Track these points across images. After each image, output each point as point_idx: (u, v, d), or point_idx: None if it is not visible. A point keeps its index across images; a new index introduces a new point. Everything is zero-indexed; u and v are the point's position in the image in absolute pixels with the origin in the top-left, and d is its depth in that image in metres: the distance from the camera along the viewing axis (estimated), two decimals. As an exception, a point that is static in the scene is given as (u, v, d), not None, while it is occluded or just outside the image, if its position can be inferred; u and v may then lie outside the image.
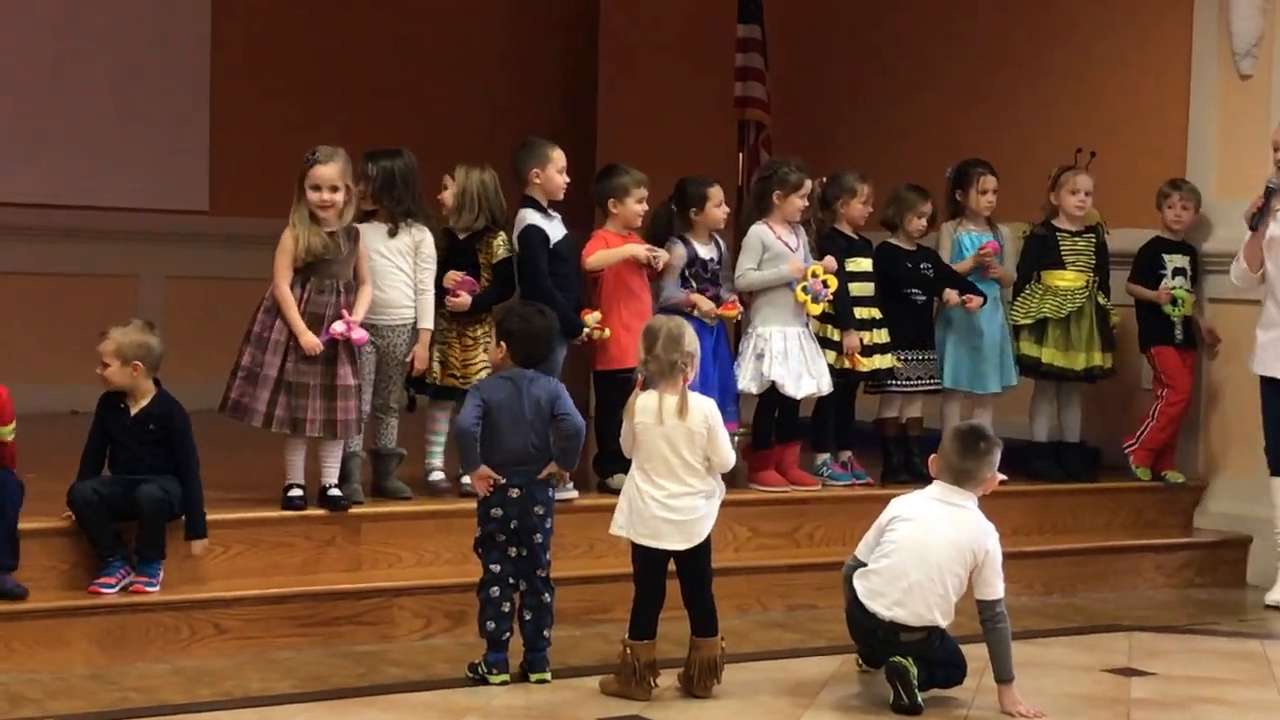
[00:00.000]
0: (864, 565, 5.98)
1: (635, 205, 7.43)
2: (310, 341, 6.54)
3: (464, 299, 7.07)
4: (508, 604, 6.00)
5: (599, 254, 7.37)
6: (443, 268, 7.07)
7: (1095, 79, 9.08)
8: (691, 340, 5.97)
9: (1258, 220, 7.68)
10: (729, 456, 5.93)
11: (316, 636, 6.41)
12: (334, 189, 6.59)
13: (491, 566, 6.02)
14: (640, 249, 7.37)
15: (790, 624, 7.13)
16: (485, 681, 5.98)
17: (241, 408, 6.59)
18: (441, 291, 7.06)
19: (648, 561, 5.94)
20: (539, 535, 6.03)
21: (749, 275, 7.75)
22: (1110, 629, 7.25)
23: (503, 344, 6.12)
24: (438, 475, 7.19)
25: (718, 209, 7.65)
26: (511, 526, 6.00)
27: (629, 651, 5.91)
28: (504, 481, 5.97)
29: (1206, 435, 8.55)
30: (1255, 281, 7.76)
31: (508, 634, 6.02)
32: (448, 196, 7.20)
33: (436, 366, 7.10)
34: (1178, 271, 8.44)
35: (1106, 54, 9.05)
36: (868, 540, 6.03)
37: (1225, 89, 8.48)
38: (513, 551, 6.02)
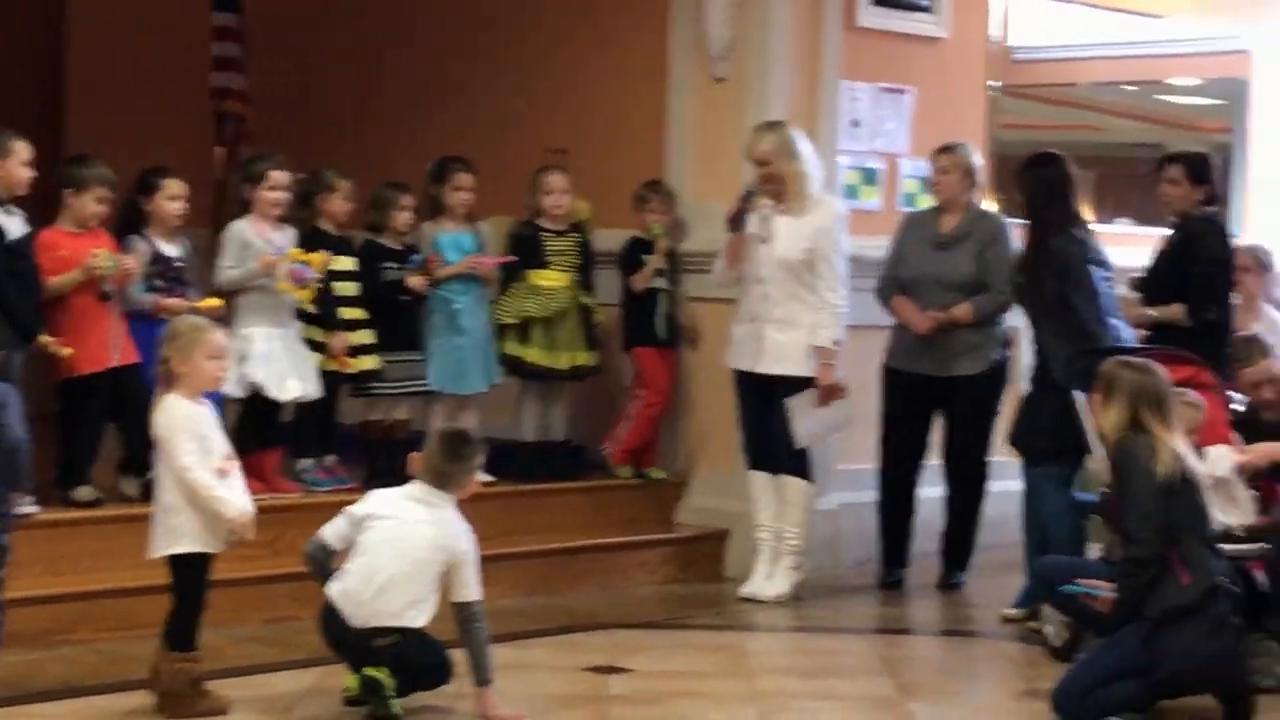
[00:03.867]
0: (328, 546, 5.89)
1: (94, 204, 7.14)
2: None
3: None
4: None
5: (54, 282, 6.99)
6: None
7: (574, 78, 9.13)
8: (174, 340, 5.72)
9: (738, 223, 7.84)
10: (173, 463, 5.68)
11: None
12: None
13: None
14: (89, 262, 7.03)
15: (268, 638, 6.91)
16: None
17: None
18: None
19: None
20: None
21: (226, 274, 7.55)
22: (592, 628, 7.28)
23: None
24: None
25: (170, 202, 7.38)
26: None
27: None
28: None
29: (687, 431, 8.69)
30: (734, 279, 7.92)
31: None
32: None
33: None
34: (658, 272, 8.54)
35: (585, 53, 9.11)
36: (337, 526, 5.91)
37: (701, 91, 8.63)
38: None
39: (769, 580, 7.91)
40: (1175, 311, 7.77)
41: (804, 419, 7.75)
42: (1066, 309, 7.32)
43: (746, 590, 7.92)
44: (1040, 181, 7.54)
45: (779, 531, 7.92)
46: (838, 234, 7.76)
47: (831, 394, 7.75)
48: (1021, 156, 7.95)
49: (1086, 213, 7.97)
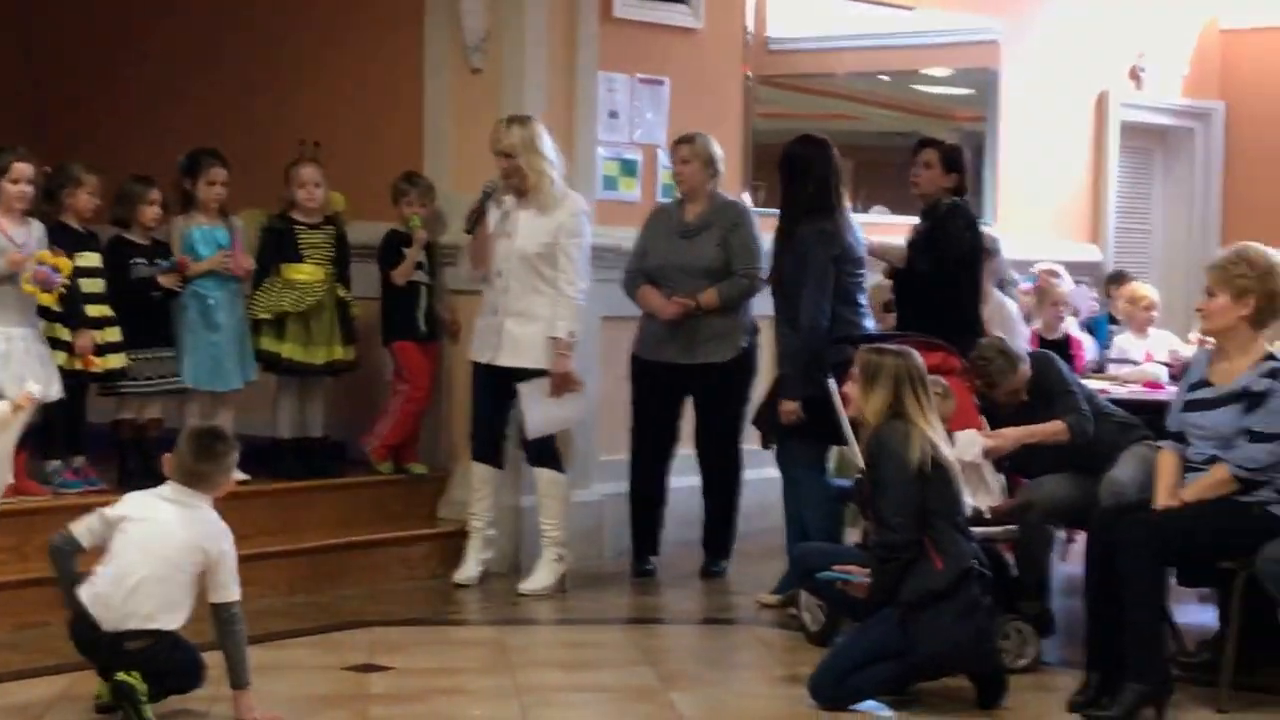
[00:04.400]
0: (77, 541, 5.75)
1: None
2: None
3: None
4: None
5: None
6: None
7: (328, 68, 9.03)
8: None
9: (474, 223, 7.81)
10: None
11: None
12: None
13: None
14: None
15: (19, 644, 6.72)
16: None
17: None
18: None
19: None
20: None
21: (-35, 270, 7.31)
22: (353, 626, 7.19)
23: None
24: None
25: None
26: None
27: None
28: None
29: (448, 425, 8.62)
30: (480, 278, 7.93)
31: None
32: None
33: None
34: (418, 265, 8.44)
35: (339, 43, 9.01)
36: (89, 523, 5.78)
37: (457, 82, 8.56)
38: None
39: (472, 567, 8.01)
40: (894, 251, 7.93)
41: (536, 408, 7.76)
42: (798, 297, 7.42)
43: (459, 576, 7.99)
44: (797, 166, 7.61)
45: (492, 521, 8.03)
46: (578, 228, 7.81)
47: (564, 384, 7.76)
48: (781, 144, 8.02)
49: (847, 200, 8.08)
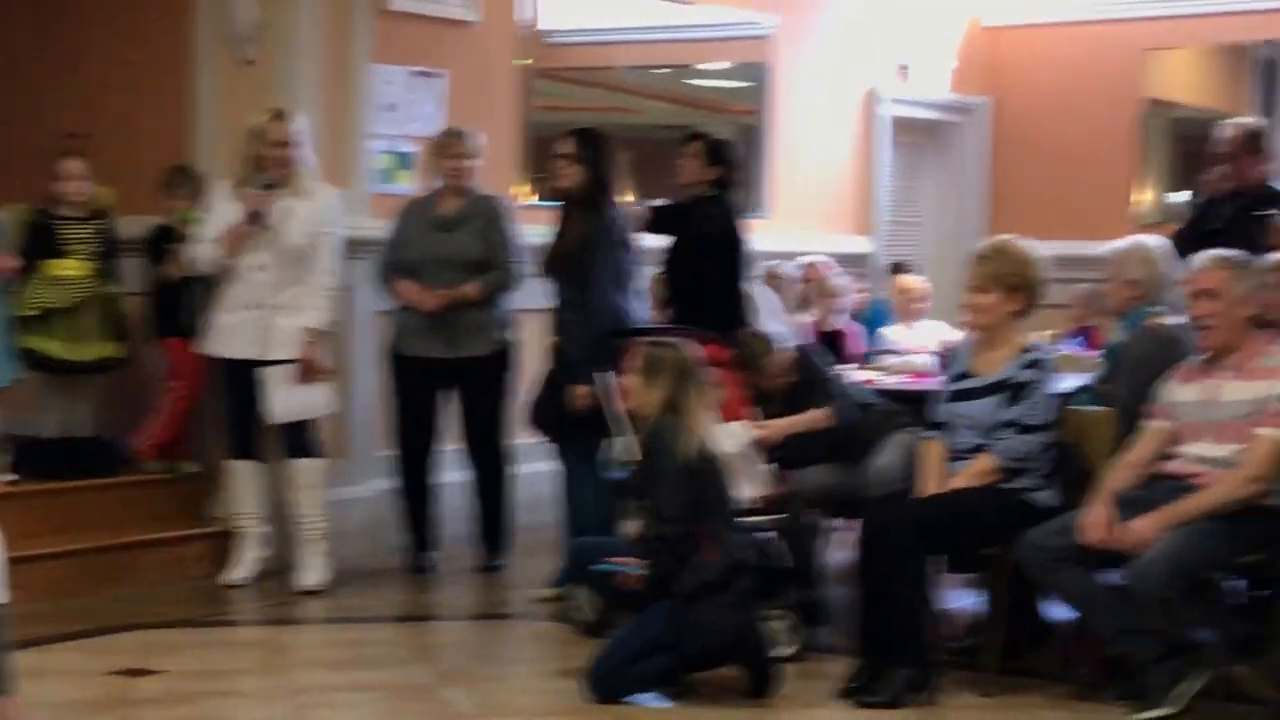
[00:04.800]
0: None
1: None
2: None
3: None
4: None
5: None
6: None
7: (95, 58, 8.81)
8: None
9: (259, 217, 7.70)
10: None
11: None
12: None
13: None
14: None
15: None
16: None
17: None
18: None
19: None
20: None
21: None
22: (123, 629, 7.05)
23: None
24: None
25: None
26: None
27: None
28: None
29: (220, 422, 8.48)
30: (226, 264, 7.80)
31: None
32: None
33: None
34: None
35: (104, 33, 8.80)
36: None
37: (228, 74, 8.42)
38: None
39: (244, 566, 7.93)
40: (637, 211, 8.08)
41: (279, 395, 7.72)
42: (586, 287, 7.46)
43: (232, 577, 7.90)
44: (578, 157, 7.64)
45: (262, 518, 7.96)
46: (334, 219, 7.82)
47: (309, 372, 7.73)
48: (558, 136, 8.03)
49: (625, 192, 8.13)
